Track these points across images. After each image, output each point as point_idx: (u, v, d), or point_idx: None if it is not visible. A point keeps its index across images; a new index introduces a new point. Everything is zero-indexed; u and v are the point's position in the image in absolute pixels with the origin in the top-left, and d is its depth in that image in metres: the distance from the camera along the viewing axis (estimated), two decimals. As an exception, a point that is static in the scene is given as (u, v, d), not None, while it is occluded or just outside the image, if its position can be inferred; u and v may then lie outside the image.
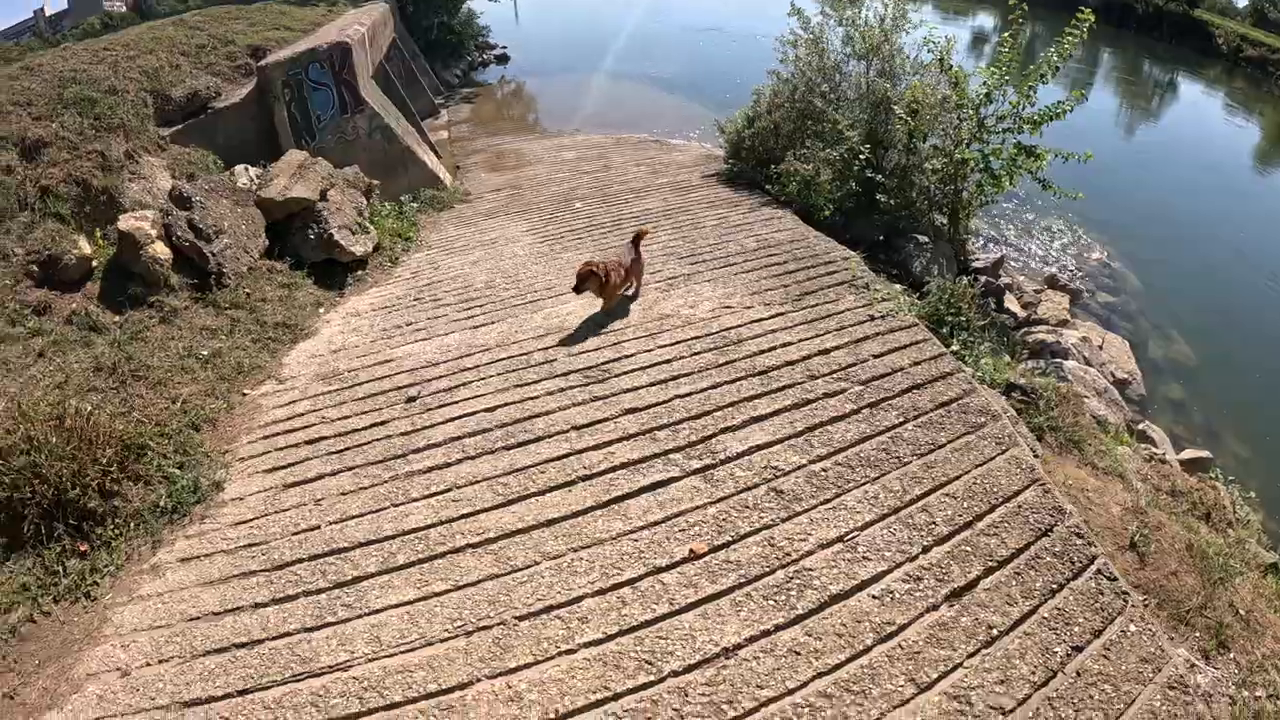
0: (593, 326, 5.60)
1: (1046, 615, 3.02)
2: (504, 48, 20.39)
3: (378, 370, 5.39)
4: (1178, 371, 8.29)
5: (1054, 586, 3.14)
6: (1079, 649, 2.89)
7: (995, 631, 2.94)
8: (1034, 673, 2.79)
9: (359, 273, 7.41)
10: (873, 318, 5.32)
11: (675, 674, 2.80)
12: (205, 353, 5.54)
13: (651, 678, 2.80)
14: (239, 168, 8.06)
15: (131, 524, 3.90)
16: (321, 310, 6.67)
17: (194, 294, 6.16)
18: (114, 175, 6.78)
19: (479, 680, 2.84)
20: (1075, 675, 2.79)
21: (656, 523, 3.52)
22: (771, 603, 3.06)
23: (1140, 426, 6.58)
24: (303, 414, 4.89)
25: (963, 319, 5.47)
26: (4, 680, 3.09)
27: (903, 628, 2.95)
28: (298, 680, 2.90)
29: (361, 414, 4.79)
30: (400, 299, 6.72)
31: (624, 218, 8.22)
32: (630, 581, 3.22)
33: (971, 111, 7.24)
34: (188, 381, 5.14)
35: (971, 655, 2.85)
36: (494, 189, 10.15)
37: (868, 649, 2.87)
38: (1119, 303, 9.49)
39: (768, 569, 3.23)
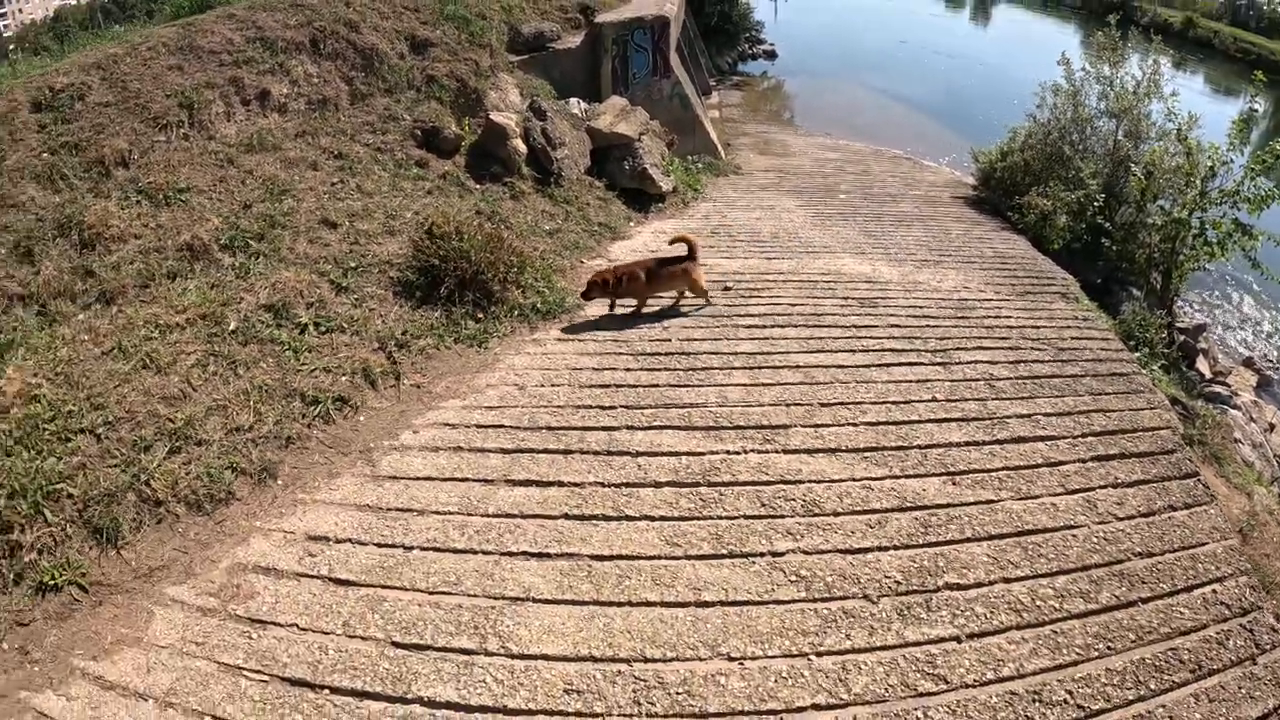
0: (863, 276, 8.11)
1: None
2: (772, 44, 23.40)
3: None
4: None
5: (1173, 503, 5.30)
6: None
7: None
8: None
9: (659, 205, 10.17)
10: (1075, 318, 7.57)
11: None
12: (547, 227, 8.32)
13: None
14: (572, 100, 11.01)
15: (515, 313, 6.65)
16: (631, 224, 9.45)
17: (536, 185, 8.97)
18: (482, 80, 9.71)
19: (794, 426, 5.38)
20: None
21: (898, 382, 5.97)
22: (980, 431, 5.44)
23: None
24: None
25: (1148, 336, 7.66)
26: (412, 378, 5.70)
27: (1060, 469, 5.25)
28: (666, 408, 5.43)
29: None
30: (698, 230, 9.37)
31: (883, 213, 10.74)
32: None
33: (1198, 182, 9.25)
34: (539, 242, 7.91)
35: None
36: (763, 169, 12.85)
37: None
38: (1310, 402, 11.20)
39: (978, 420, 5.60)
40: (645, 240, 8.87)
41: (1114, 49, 11.35)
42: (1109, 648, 3.60)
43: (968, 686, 3.35)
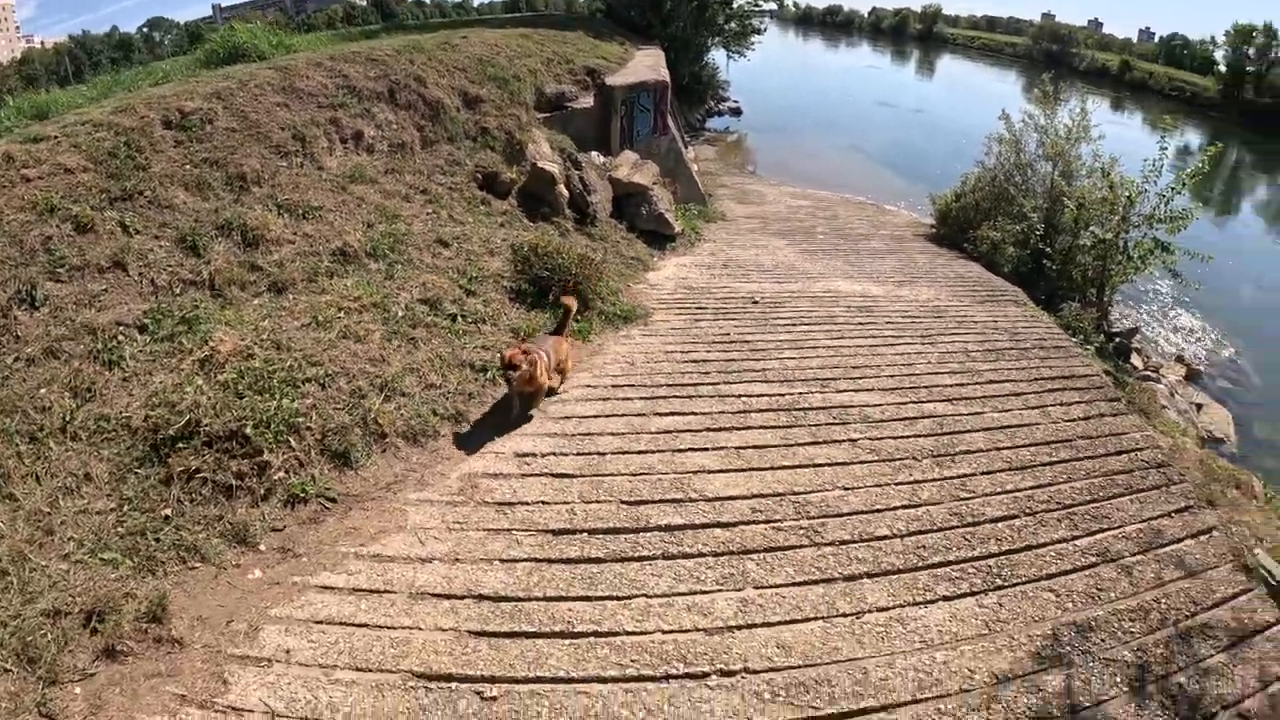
0: (856, 293, 10.80)
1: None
2: (736, 101, 26.85)
3: (720, 291, 10.67)
4: (1277, 450, 12.22)
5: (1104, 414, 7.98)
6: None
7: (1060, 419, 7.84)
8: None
9: (672, 244, 12.76)
10: (1025, 316, 10.35)
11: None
12: (596, 258, 10.56)
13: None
14: (593, 153, 13.58)
15: (602, 317, 9.06)
16: (655, 258, 12.02)
17: (577, 225, 11.42)
18: (524, 133, 12.12)
19: (838, 379, 7.91)
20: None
21: (900, 354, 8.51)
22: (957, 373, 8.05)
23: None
24: (680, 300, 10.18)
25: (1083, 327, 10.47)
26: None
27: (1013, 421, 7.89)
28: (746, 371, 7.93)
29: (722, 304, 10.04)
30: (709, 265, 11.99)
31: (859, 248, 13.65)
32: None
33: (1120, 210, 12.21)
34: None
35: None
36: (745, 216, 15.68)
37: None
38: (1235, 390, 14.19)
39: (961, 371, 8.20)
40: (671, 272, 11.48)
41: (1049, 101, 14.50)
42: (1069, 478, 6.28)
43: (986, 495, 5.95)
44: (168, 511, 5.31)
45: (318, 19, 27.93)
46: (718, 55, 27.26)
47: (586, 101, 14.40)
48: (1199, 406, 12.65)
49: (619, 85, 14.60)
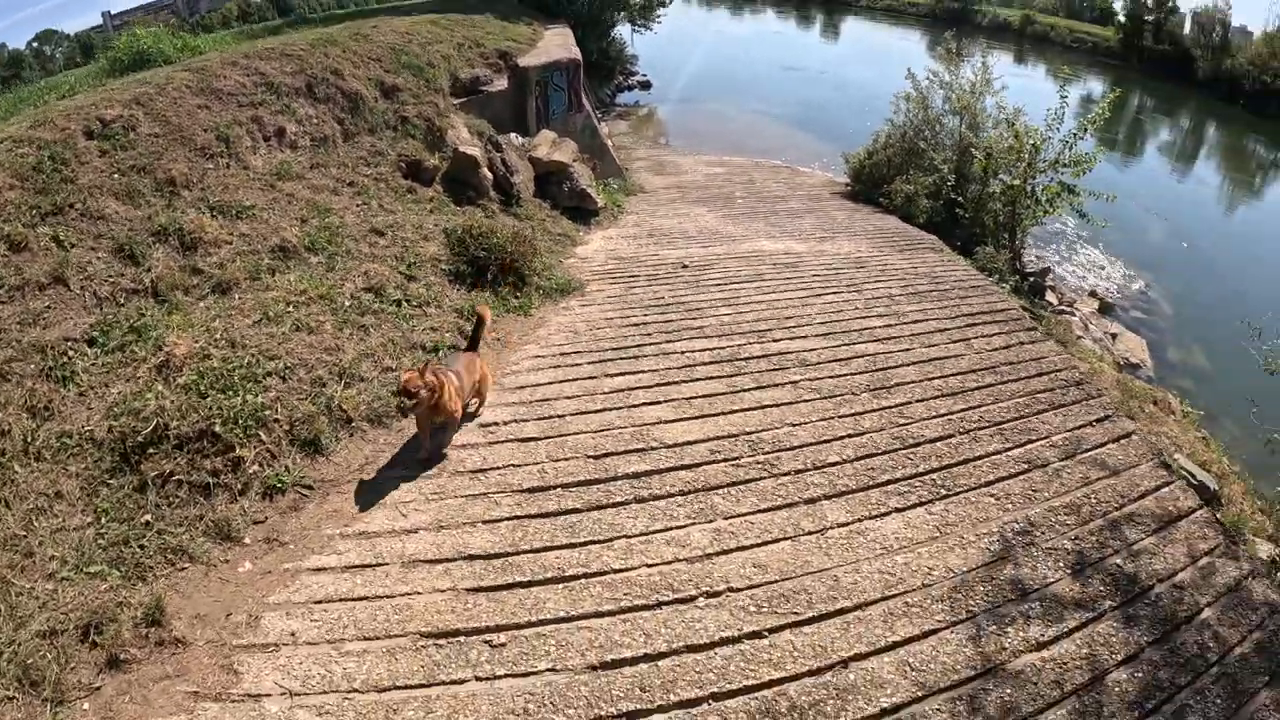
0: (780, 250, 11.30)
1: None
2: (645, 75, 27.20)
3: (649, 259, 11.09)
4: (1189, 371, 13.26)
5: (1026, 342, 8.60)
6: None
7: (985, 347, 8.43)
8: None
9: (596, 219, 13.12)
10: (942, 261, 10.99)
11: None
12: (528, 234, 11.03)
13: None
14: (512, 135, 13.85)
15: (540, 291, 9.43)
16: (581, 233, 12.37)
17: (502, 206, 11.76)
18: (443, 119, 12.36)
19: (772, 330, 8.36)
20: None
21: (828, 304, 9.04)
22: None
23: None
24: (612, 270, 10.57)
25: (998, 267, 11.10)
26: (491, 334, 8.06)
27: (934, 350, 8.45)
28: (686, 328, 8.35)
29: (653, 271, 10.45)
30: (635, 236, 12.39)
31: (777, 210, 14.17)
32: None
33: (1026, 157, 12.88)
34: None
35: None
36: (664, 187, 16.06)
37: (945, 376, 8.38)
38: (1147, 320, 15.09)
39: (887, 314, 8.72)
40: (599, 245, 11.86)
41: (953, 58, 15.16)
42: (996, 400, 6.94)
43: (922, 420, 6.56)
44: (148, 518, 5.48)
45: (212, 19, 27.40)
46: (624, 30, 27.65)
47: (501, 84, 14.63)
48: (1114, 336, 13.46)
49: (532, 66, 14.86)
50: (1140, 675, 4.30)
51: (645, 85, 27.66)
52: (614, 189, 14.84)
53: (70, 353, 6.42)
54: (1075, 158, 12.42)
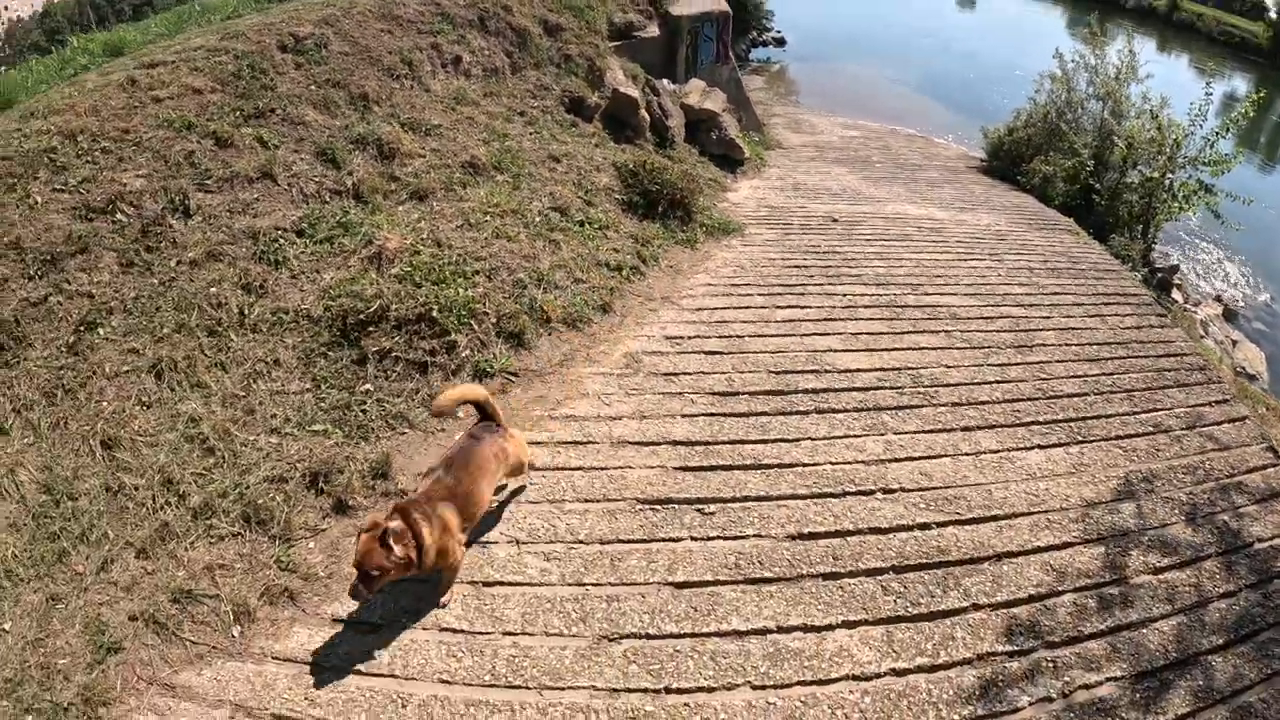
0: (923, 216, 11.76)
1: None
2: (780, 32, 27.41)
3: (799, 210, 11.63)
4: None
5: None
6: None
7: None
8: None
9: (741, 169, 13.65)
10: (1078, 243, 11.30)
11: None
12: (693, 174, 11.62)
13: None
14: (663, 81, 14.35)
15: (703, 229, 10.07)
16: (728, 180, 12.90)
17: (656, 147, 12.31)
18: (603, 60, 12.87)
19: (924, 284, 8.87)
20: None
21: (973, 269, 9.47)
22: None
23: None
24: (766, 217, 11.15)
25: (1130, 255, 11.41)
26: (665, 261, 9.06)
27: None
28: (846, 274, 8.90)
29: (805, 221, 11.01)
30: (781, 188, 12.91)
31: (915, 177, 14.57)
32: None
33: (1167, 150, 13.05)
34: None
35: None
36: (800, 145, 16.51)
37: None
38: (1269, 334, 15.19)
39: (1029, 285, 9.16)
40: (748, 193, 12.44)
41: (1096, 40, 15.29)
42: (1126, 370, 7.42)
43: (1061, 378, 7.17)
44: (367, 386, 6.24)
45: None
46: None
47: (653, 30, 15.02)
48: (1234, 343, 13.61)
49: (684, 15, 15.27)
50: (1237, 609, 4.82)
51: (780, 42, 27.90)
52: (755, 141, 15.30)
53: (280, 240, 7.09)
54: (1215, 157, 12.58)
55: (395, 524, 3.89)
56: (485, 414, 4.73)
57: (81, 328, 6.31)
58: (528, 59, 11.84)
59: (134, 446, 5.64)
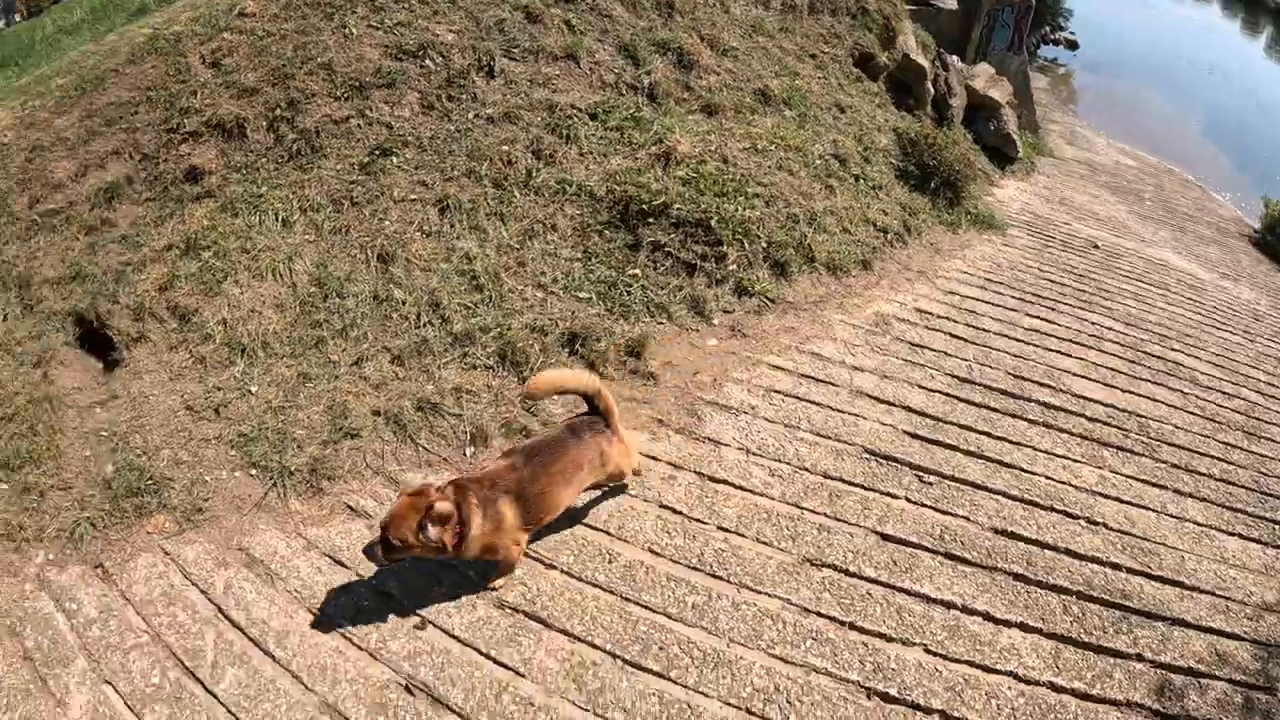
0: (1185, 270, 11.43)
1: None
2: (1073, 34, 26.12)
3: (1063, 225, 11.45)
4: None
5: None
6: None
7: None
8: None
9: (1010, 168, 13.42)
10: None
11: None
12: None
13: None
14: (953, 58, 14.14)
15: (965, 217, 9.97)
16: (996, 175, 12.75)
17: (934, 124, 12.13)
18: (899, 22, 12.71)
19: (1175, 333, 8.76)
20: None
21: (1224, 338, 9.23)
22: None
23: None
24: (1029, 222, 11.08)
25: None
26: (928, 237, 9.17)
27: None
28: (1097, 293, 8.82)
29: (1067, 238, 10.89)
30: (1047, 198, 12.60)
31: (1185, 227, 13.96)
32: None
33: None
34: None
35: None
36: (1073, 159, 16.01)
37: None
38: None
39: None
40: (1013, 194, 12.29)
41: None
42: None
43: None
44: (635, 271, 6.77)
45: None
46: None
47: (951, 3, 14.74)
48: None
49: (989, -4, 14.96)
50: None
51: (1072, 45, 26.24)
52: (1029, 142, 14.99)
53: (574, 118, 7.62)
54: None
55: (444, 506, 3.47)
56: (594, 408, 4.14)
57: (377, 152, 7.06)
58: (825, 3, 11.86)
59: (408, 266, 6.35)
